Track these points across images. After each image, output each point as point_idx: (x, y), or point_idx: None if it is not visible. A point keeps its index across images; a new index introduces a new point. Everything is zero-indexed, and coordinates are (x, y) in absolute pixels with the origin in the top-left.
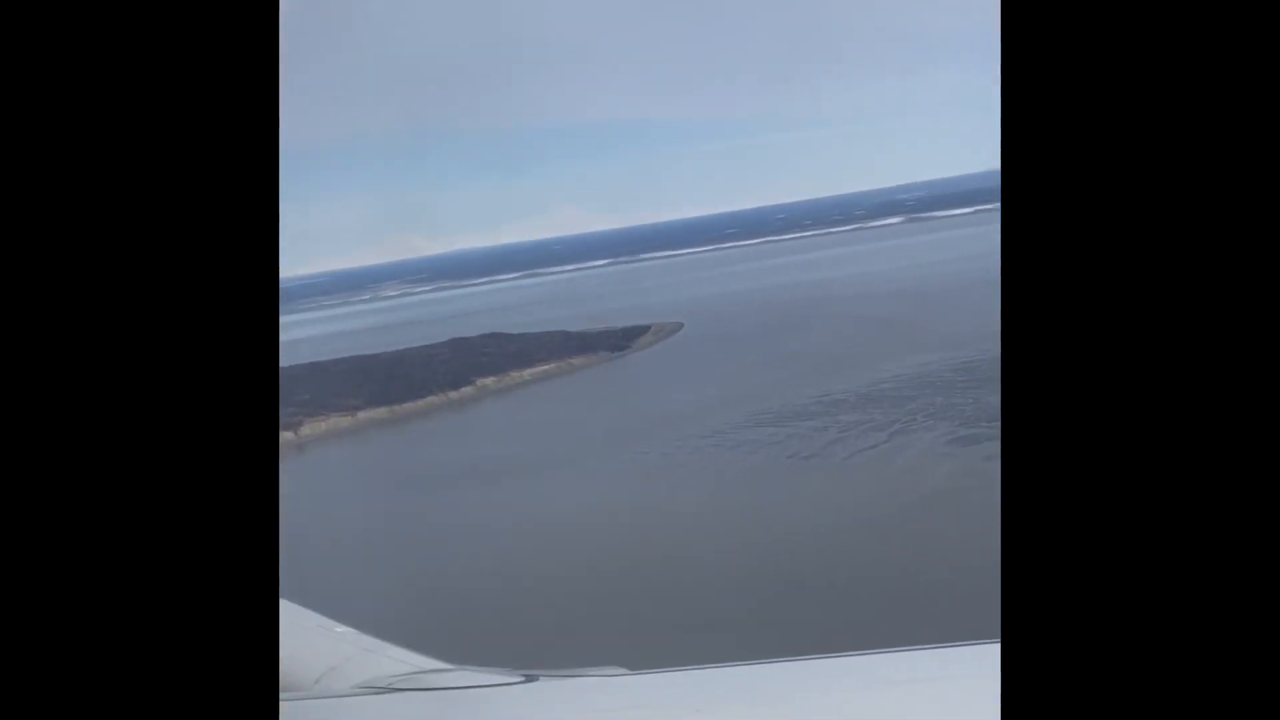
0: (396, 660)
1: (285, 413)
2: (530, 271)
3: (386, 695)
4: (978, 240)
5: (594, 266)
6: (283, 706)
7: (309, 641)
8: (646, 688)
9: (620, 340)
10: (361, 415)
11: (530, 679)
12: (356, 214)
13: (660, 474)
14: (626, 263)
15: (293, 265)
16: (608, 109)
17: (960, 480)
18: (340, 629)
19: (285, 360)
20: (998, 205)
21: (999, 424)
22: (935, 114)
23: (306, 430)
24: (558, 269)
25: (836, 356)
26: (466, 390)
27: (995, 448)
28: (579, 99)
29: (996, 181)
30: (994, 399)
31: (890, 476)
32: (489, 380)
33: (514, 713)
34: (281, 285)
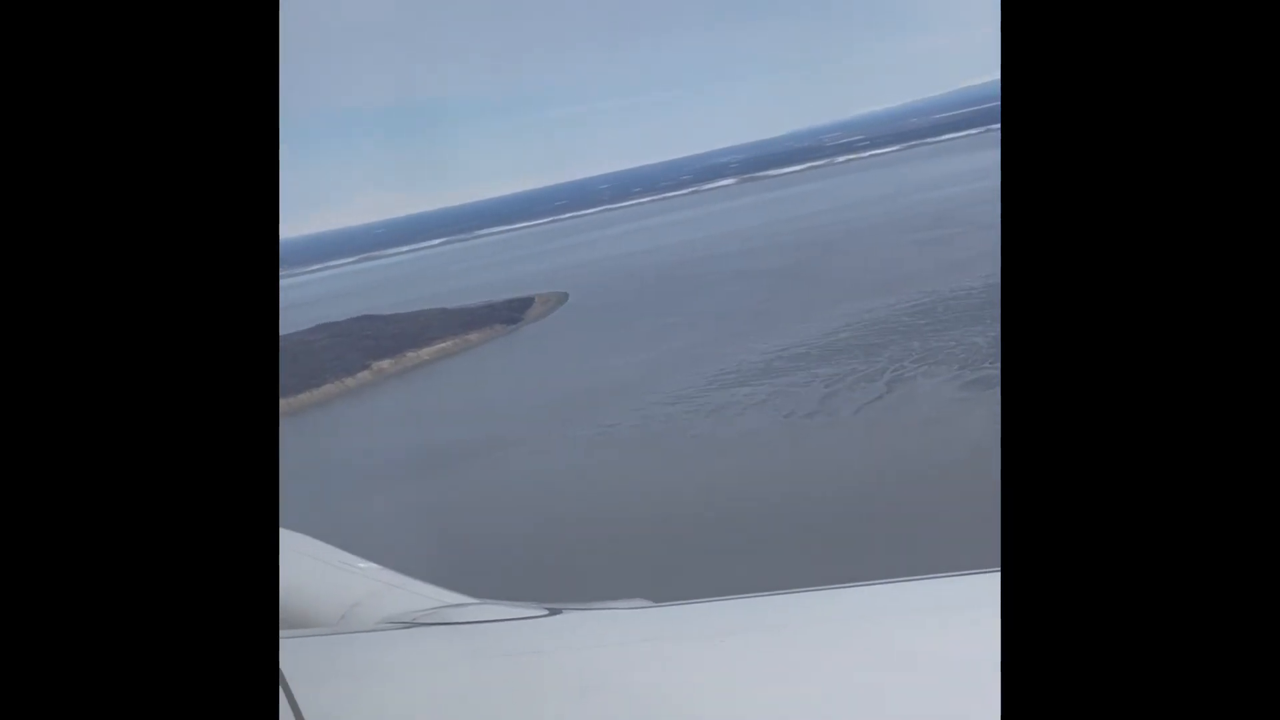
0: (420, 595)
1: None
2: (365, 255)
3: (412, 630)
4: (826, 195)
5: (431, 246)
6: (308, 642)
7: (333, 578)
8: (670, 619)
9: (509, 313)
10: None
11: (554, 612)
12: None
13: (645, 445)
14: (464, 240)
15: None
16: (398, 90)
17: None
18: (363, 564)
19: None
20: (828, 161)
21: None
22: (739, 78)
23: None
24: (394, 251)
25: (760, 311)
26: (364, 375)
27: None
28: (367, 81)
29: (813, 140)
30: (979, 339)
31: (922, 426)
32: (385, 363)
33: (538, 646)
34: None
